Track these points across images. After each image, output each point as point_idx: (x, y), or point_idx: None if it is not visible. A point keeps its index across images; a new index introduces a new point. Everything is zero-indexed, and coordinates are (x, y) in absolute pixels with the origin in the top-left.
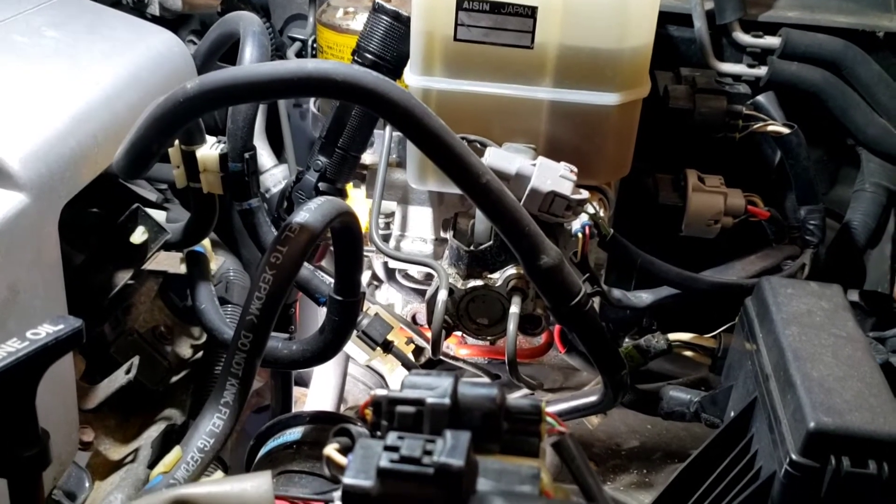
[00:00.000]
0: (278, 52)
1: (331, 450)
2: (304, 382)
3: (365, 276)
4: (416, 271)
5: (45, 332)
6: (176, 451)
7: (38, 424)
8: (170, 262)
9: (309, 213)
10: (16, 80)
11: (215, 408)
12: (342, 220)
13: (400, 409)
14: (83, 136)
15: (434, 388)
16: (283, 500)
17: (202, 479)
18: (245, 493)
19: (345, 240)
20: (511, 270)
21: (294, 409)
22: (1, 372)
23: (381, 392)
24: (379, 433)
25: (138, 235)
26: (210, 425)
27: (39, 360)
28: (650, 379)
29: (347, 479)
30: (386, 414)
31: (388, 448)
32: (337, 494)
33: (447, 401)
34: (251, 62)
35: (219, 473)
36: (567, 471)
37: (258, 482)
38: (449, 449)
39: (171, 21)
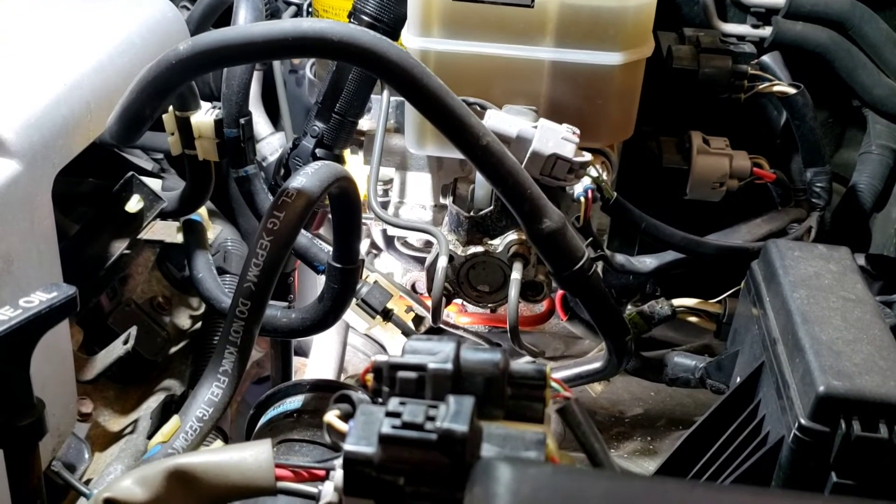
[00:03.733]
0: (274, 17)
1: (331, 416)
2: (303, 352)
3: (364, 245)
4: (415, 239)
5: (38, 299)
6: (174, 421)
7: (33, 394)
8: (166, 232)
9: (306, 177)
10: (7, 47)
11: (214, 376)
12: (340, 185)
13: (401, 374)
14: (75, 103)
15: (436, 354)
16: (284, 469)
17: (201, 449)
18: (244, 462)
19: (343, 205)
20: (512, 236)
21: (294, 379)
22: None
23: (382, 358)
24: (380, 399)
25: (133, 204)
26: (209, 394)
27: (33, 328)
28: (653, 346)
29: (349, 446)
30: (387, 380)
31: (389, 414)
32: (338, 462)
33: (449, 366)
34: (244, 24)
35: (218, 443)
36: (571, 438)
37: (258, 451)
38: (452, 414)
39: None
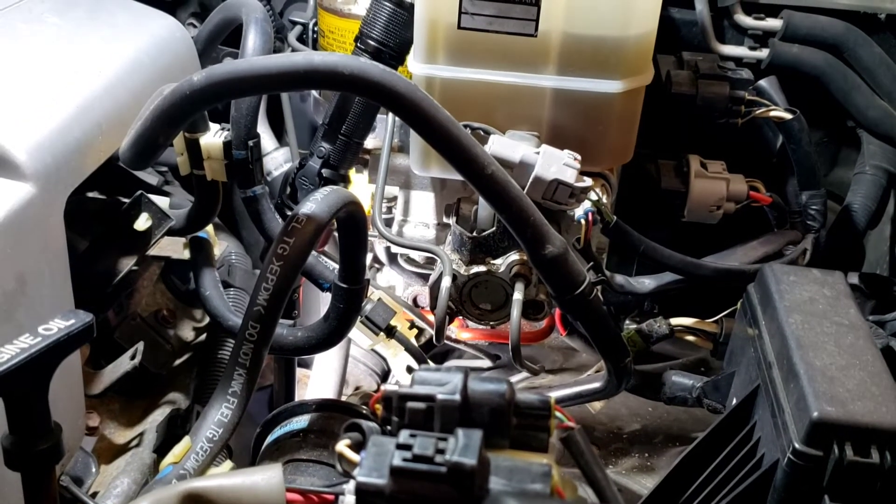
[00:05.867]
0: (279, 35)
1: (342, 446)
2: (306, 364)
3: (367, 260)
4: (417, 255)
5: (56, 327)
6: (185, 442)
7: (51, 418)
8: (173, 248)
9: (315, 203)
10: (19, 68)
11: (223, 397)
12: (348, 209)
13: (410, 405)
14: (87, 124)
15: (444, 384)
16: (294, 493)
17: (211, 470)
18: (257, 486)
19: (350, 229)
20: (514, 256)
21: (296, 391)
22: (15, 369)
23: (392, 387)
24: (389, 428)
25: (142, 222)
26: (218, 415)
27: (52, 356)
28: (651, 359)
29: (361, 477)
30: (396, 409)
31: (400, 446)
32: (347, 487)
33: (457, 397)
34: (254, 50)
35: (227, 462)
36: (570, 456)
37: (269, 475)
38: (461, 448)
39: (170, 3)
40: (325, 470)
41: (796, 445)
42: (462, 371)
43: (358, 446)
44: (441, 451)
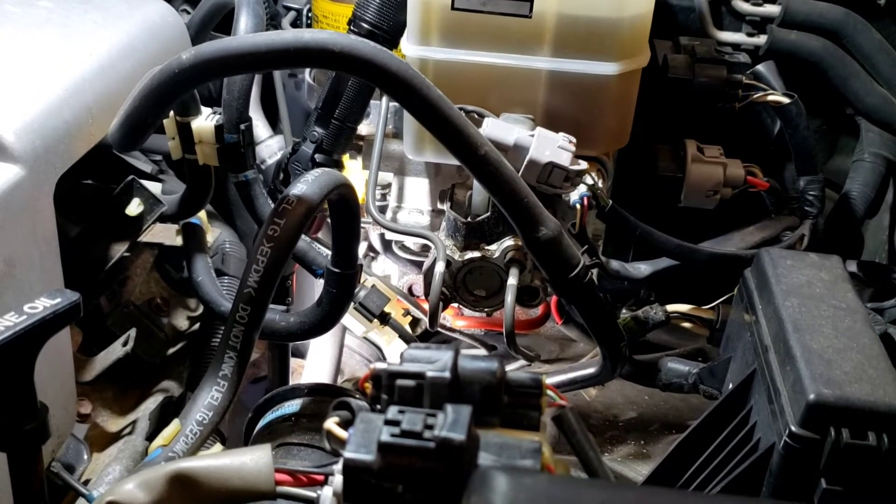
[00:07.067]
0: (273, 22)
1: (331, 423)
2: (300, 354)
3: (361, 248)
4: (412, 242)
5: (42, 305)
6: (175, 425)
7: (37, 398)
8: (166, 234)
9: (306, 184)
10: (8, 50)
11: (214, 380)
12: (340, 191)
13: (400, 382)
14: (77, 107)
15: (434, 362)
16: (283, 473)
17: (201, 453)
18: (245, 467)
19: (342, 212)
20: (509, 242)
21: (291, 381)
22: None
23: (381, 365)
24: (378, 406)
25: (134, 207)
26: (209, 398)
27: (37, 334)
28: (647, 349)
29: (348, 453)
30: (386, 387)
31: (388, 422)
32: (337, 467)
33: (447, 374)
34: (246, 32)
35: (217, 446)
36: (565, 441)
37: (258, 455)
38: (450, 423)
39: None
40: (316, 453)
41: (792, 428)
42: (453, 349)
43: (347, 424)
44: (430, 427)
